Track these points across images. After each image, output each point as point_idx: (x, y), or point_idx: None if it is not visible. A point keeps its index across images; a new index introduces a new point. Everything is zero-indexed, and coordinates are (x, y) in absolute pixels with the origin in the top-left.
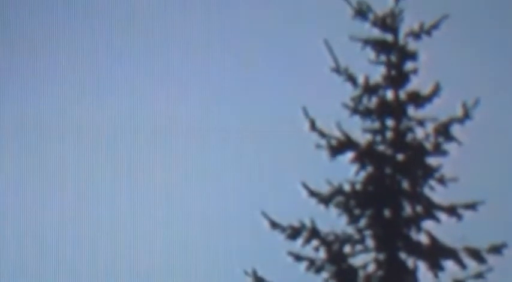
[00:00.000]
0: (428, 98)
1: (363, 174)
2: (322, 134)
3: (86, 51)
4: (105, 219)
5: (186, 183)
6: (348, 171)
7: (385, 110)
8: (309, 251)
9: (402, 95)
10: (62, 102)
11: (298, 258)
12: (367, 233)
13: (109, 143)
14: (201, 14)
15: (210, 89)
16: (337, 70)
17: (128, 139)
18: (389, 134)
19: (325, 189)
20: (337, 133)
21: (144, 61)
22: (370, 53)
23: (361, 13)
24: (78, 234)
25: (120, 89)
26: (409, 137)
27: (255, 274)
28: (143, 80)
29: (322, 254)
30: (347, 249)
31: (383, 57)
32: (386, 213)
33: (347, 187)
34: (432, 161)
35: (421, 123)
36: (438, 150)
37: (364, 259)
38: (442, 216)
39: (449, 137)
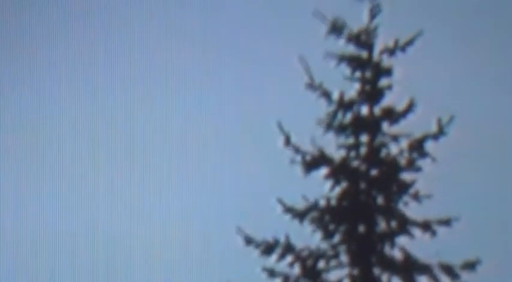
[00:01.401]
0: (403, 114)
1: (337, 190)
2: (297, 150)
3: (86, 51)
4: (104, 219)
5: (162, 199)
6: (322, 187)
7: (359, 125)
8: (283, 266)
9: (377, 110)
10: (62, 102)
11: (272, 273)
12: (342, 248)
13: (109, 142)
14: (181, 36)
15: (184, 106)
16: (312, 86)
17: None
18: (363, 150)
19: (300, 205)
20: (311, 149)
21: (144, 61)
22: (345, 69)
23: (336, 30)
24: (77, 234)
25: (119, 88)
26: (384, 152)
27: None
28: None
29: (296, 270)
30: (321, 264)
31: (358, 74)
32: (361, 228)
33: (322, 203)
34: (406, 176)
35: (396, 139)
36: (412, 166)
37: (339, 274)
38: (416, 232)
39: (423, 153)
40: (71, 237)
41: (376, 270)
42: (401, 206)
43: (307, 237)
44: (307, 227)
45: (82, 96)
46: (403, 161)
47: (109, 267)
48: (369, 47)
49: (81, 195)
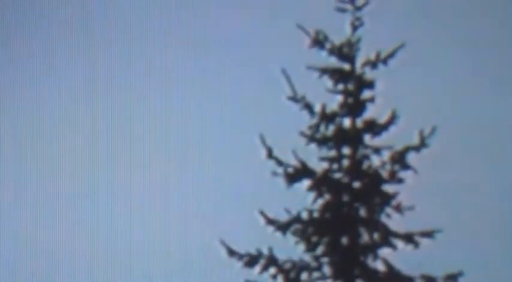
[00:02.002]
0: (385, 126)
1: (320, 202)
2: (279, 162)
3: (85, 51)
4: (104, 218)
5: (145, 211)
6: (305, 199)
7: (341, 138)
8: (266, 278)
9: (359, 123)
10: (62, 102)
11: None
12: (325, 260)
13: (108, 142)
14: (163, 46)
15: (165, 116)
16: (295, 98)
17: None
18: (345, 162)
19: (282, 217)
20: (293, 161)
21: (143, 61)
22: (328, 82)
23: (319, 42)
24: (77, 234)
25: (119, 88)
26: (366, 164)
27: None
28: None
29: None
30: (304, 276)
31: (340, 86)
32: (344, 240)
33: (304, 215)
34: (389, 188)
35: (378, 151)
36: (394, 178)
37: None
38: (399, 243)
39: (405, 165)
40: (71, 237)
41: None
42: (384, 218)
43: (290, 249)
44: (290, 239)
45: (82, 96)
46: (385, 173)
47: (109, 266)
48: (351, 59)
49: (81, 195)
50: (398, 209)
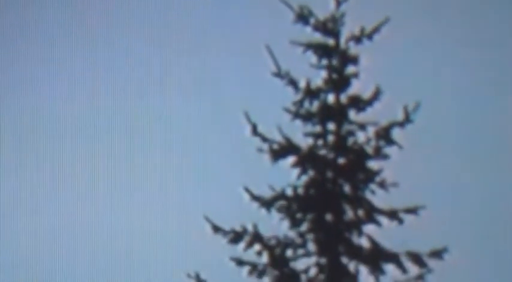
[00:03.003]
0: (369, 102)
1: (304, 179)
2: (264, 139)
3: (84, 49)
4: (104, 218)
5: (129, 188)
6: (290, 176)
7: (326, 114)
8: (251, 255)
9: (343, 99)
10: (62, 102)
11: (240, 262)
12: (309, 237)
13: (108, 142)
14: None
15: (147, 92)
16: (279, 74)
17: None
18: (330, 138)
19: (267, 194)
20: (278, 137)
21: (143, 60)
22: (312, 57)
23: (303, 17)
24: (77, 234)
25: (118, 87)
26: (350, 141)
27: (198, 277)
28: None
29: (264, 259)
30: (289, 253)
31: (324, 62)
32: (328, 217)
33: (289, 191)
34: (373, 165)
35: (362, 127)
36: (379, 154)
37: (306, 263)
38: (383, 220)
39: (390, 141)
40: (70, 238)
41: (344, 259)
42: (368, 195)
43: (275, 226)
44: (275, 216)
45: (82, 95)
46: (369, 149)
47: (109, 265)
48: (336, 34)
49: (80, 195)
50: (383, 185)
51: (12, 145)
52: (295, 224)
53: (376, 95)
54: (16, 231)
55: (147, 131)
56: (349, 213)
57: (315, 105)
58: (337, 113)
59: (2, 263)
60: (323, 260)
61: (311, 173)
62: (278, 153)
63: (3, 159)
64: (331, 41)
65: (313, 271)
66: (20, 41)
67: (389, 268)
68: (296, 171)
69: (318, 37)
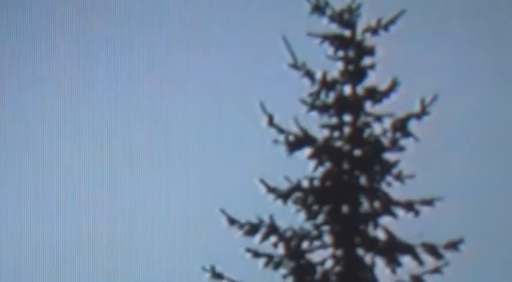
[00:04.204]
0: (386, 94)
1: (320, 170)
2: (280, 130)
3: (85, 49)
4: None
5: (143, 179)
6: (306, 167)
7: (342, 105)
8: (267, 247)
9: (360, 90)
10: (61, 102)
11: (256, 254)
12: (325, 229)
13: (108, 142)
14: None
15: (165, 82)
16: (295, 66)
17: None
18: (346, 130)
19: (283, 186)
20: (294, 129)
21: (143, 60)
22: (328, 49)
23: (319, 8)
24: (77, 234)
25: (119, 87)
26: (367, 132)
27: (213, 270)
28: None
29: (280, 250)
30: (305, 245)
31: (341, 53)
32: (344, 209)
33: (305, 183)
34: (389, 156)
35: (379, 118)
36: (395, 146)
37: (322, 255)
38: (400, 212)
39: (407, 133)
40: (71, 238)
41: (360, 251)
42: (384, 186)
43: (291, 217)
44: (291, 208)
45: (83, 94)
46: (386, 141)
47: (108, 266)
48: (352, 26)
49: (81, 195)
50: (399, 177)
51: (12, 145)
52: (311, 215)
53: (393, 86)
54: (16, 231)
55: (163, 121)
56: (365, 205)
57: (331, 97)
58: (354, 105)
59: (1, 263)
60: (339, 252)
61: (327, 164)
62: (294, 145)
63: (3, 160)
64: (347, 32)
65: (329, 263)
66: (22, 37)
67: (406, 260)
68: (312, 163)
69: (334, 28)
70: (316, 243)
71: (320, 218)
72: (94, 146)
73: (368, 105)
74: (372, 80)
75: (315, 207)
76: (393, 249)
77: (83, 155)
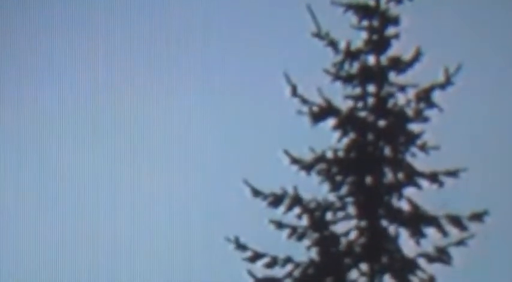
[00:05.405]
0: (410, 64)
1: (345, 141)
2: (304, 100)
3: (85, 49)
4: (104, 218)
5: (168, 152)
6: (330, 138)
7: (366, 75)
8: (291, 218)
9: (384, 60)
10: (62, 101)
11: (280, 225)
12: (349, 200)
13: (108, 142)
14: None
15: (189, 55)
16: (319, 35)
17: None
18: (370, 100)
19: (307, 156)
20: (318, 99)
21: (144, 59)
22: (352, 18)
23: None
24: (77, 234)
25: (119, 87)
26: (391, 103)
27: (237, 241)
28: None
29: (304, 222)
30: (329, 216)
31: (365, 22)
32: (368, 180)
33: (329, 154)
34: (414, 127)
35: (403, 89)
36: (419, 117)
37: (346, 226)
38: (424, 183)
39: (431, 103)
40: (71, 239)
41: (384, 222)
42: (408, 157)
43: (315, 188)
44: (315, 179)
45: (83, 93)
46: (410, 112)
47: (109, 266)
48: None
49: (81, 196)
50: (423, 148)
51: (12, 145)
52: (335, 187)
53: (417, 56)
54: (16, 231)
55: (187, 94)
56: (389, 176)
57: (355, 67)
58: (377, 75)
59: (2, 263)
60: (363, 223)
61: (351, 135)
62: (318, 116)
63: (3, 159)
64: (371, 2)
65: (353, 234)
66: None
67: (430, 231)
68: (336, 134)
69: None
70: (340, 214)
71: (344, 189)
72: (95, 144)
73: (392, 75)
74: (396, 49)
75: (339, 178)
76: (417, 221)
77: (84, 154)
